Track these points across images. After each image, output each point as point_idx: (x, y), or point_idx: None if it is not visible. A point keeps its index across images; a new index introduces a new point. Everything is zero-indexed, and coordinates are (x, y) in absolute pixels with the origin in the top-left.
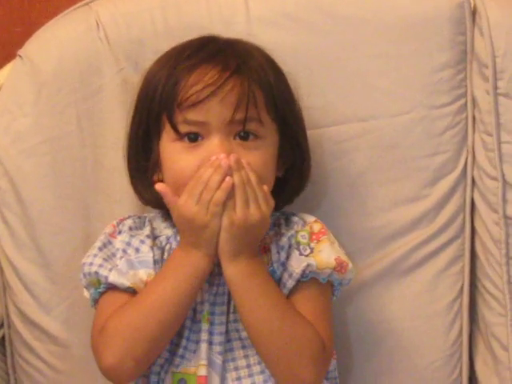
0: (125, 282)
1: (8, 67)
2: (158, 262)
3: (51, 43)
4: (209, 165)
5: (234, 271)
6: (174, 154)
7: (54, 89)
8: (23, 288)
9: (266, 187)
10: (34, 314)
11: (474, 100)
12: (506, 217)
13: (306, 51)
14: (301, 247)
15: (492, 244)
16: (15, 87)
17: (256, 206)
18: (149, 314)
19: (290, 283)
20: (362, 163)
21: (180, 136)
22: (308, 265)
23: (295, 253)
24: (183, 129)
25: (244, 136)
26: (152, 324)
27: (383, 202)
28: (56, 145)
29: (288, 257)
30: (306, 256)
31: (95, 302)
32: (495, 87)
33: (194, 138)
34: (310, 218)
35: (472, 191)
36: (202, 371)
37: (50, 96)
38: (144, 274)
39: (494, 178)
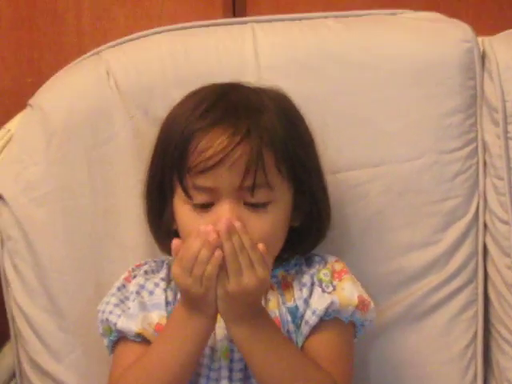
0: (132, 326)
1: (18, 117)
2: (171, 304)
3: (62, 92)
4: (195, 236)
5: (238, 333)
6: (185, 216)
7: (64, 137)
8: (35, 336)
9: (261, 246)
10: (45, 363)
11: (484, 144)
12: None
13: (317, 98)
14: (323, 285)
15: (505, 288)
16: (26, 136)
17: (251, 273)
18: (154, 377)
19: (314, 320)
20: (375, 208)
21: (191, 200)
22: (332, 302)
23: (317, 290)
24: (193, 194)
25: (253, 205)
26: None
27: (395, 248)
28: (67, 193)
29: (310, 294)
30: (329, 293)
31: (111, 351)
32: (506, 131)
33: (206, 206)
34: (331, 258)
35: (484, 236)
36: None
37: (60, 144)
38: (156, 316)
39: (506, 222)
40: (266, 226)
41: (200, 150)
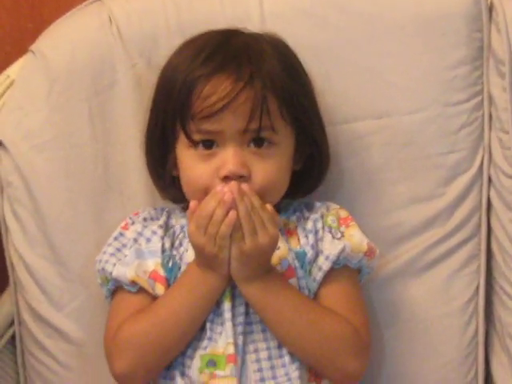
0: (127, 273)
1: (19, 63)
2: (167, 250)
3: (64, 38)
4: (211, 196)
5: (251, 291)
6: (188, 161)
7: (66, 84)
8: (35, 285)
9: (269, 206)
10: (45, 312)
11: (490, 97)
12: None
13: (321, 47)
14: (332, 231)
15: (509, 243)
16: (27, 83)
17: (264, 231)
18: (163, 328)
19: (327, 265)
20: (377, 161)
21: (194, 144)
22: (344, 247)
23: (328, 236)
24: (197, 137)
25: (258, 143)
26: (166, 338)
27: (398, 201)
28: (68, 141)
29: (318, 240)
30: (339, 239)
31: (110, 299)
32: None
33: (208, 145)
34: (335, 205)
35: (488, 190)
36: (231, 349)
37: (62, 91)
38: (151, 263)
39: (511, 177)
40: (271, 169)
41: (204, 96)
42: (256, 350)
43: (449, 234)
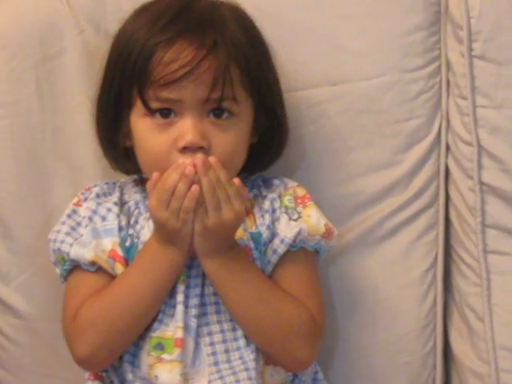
0: (86, 254)
1: None
2: (124, 229)
3: (9, 4)
4: (173, 169)
5: (212, 267)
6: (144, 130)
7: (11, 51)
8: None
9: (237, 180)
10: None
11: (448, 63)
12: (481, 183)
13: (275, 13)
14: (289, 211)
15: (467, 211)
16: None
17: (229, 207)
18: (124, 307)
19: (282, 249)
20: (334, 128)
21: (151, 112)
22: (300, 230)
23: (284, 217)
24: (155, 105)
25: (218, 113)
26: (127, 317)
27: (355, 168)
28: (14, 109)
29: (275, 221)
30: (295, 221)
31: (64, 279)
32: (470, 49)
33: (166, 113)
34: (292, 183)
35: (446, 157)
36: (179, 333)
37: (7, 59)
38: (109, 242)
39: (469, 144)
40: (230, 140)
41: (165, 62)
42: (210, 333)
43: (407, 202)
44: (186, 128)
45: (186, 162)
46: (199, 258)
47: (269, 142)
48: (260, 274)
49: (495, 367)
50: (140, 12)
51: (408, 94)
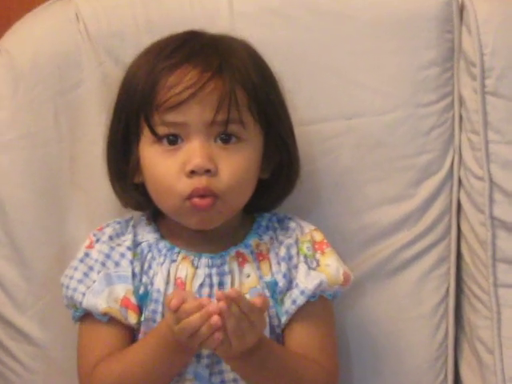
0: (98, 305)
1: None
2: (137, 275)
3: (29, 36)
4: (197, 307)
5: (234, 366)
6: (152, 157)
7: (31, 82)
8: None
9: (258, 301)
10: (8, 313)
11: (460, 98)
12: (492, 217)
13: (290, 47)
14: (308, 260)
15: (478, 245)
16: None
17: (252, 332)
18: (135, 380)
19: (302, 300)
20: (347, 162)
21: (158, 138)
22: (321, 281)
23: (303, 267)
24: (162, 131)
25: (225, 138)
26: None
27: (368, 202)
28: (33, 140)
29: (291, 268)
30: (314, 270)
31: (76, 321)
32: (483, 85)
33: (173, 140)
34: (309, 226)
35: (458, 192)
36: None
37: (27, 90)
38: (122, 290)
39: (481, 179)
40: (238, 165)
41: (169, 85)
42: (223, 382)
43: (419, 235)
44: (193, 151)
45: (211, 308)
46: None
47: (280, 176)
48: (279, 351)
49: None
50: (146, 49)
51: (421, 129)
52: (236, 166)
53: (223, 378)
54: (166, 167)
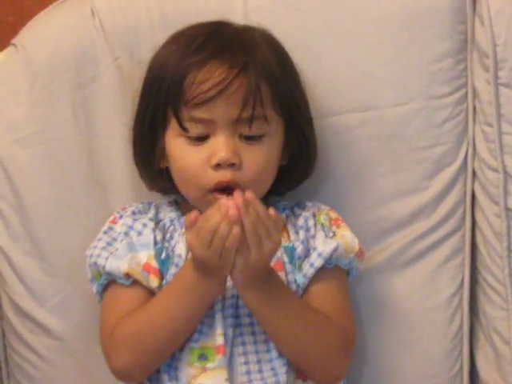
0: (120, 266)
1: (1, 56)
2: (159, 242)
3: (45, 32)
4: (216, 209)
5: (249, 296)
6: (179, 149)
7: (48, 78)
8: (17, 279)
9: (272, 211)
10: (28, 306)
11: (474, 90)
12: (507, 209)
13: (304, 41)
14: (325, 229)
15: (493, 237)
16: (9, 76)
17: (269, 240)
18: (159, 330)
19: (319, 262)
20: (362, 154)
21: (186, 131)
22: (337, 245)
23: (321, 234)
24: (190, 127)
25: (249, 137)
26: (162, 338)
27: (383, 194)
28: (50, 134)
29: (309, 238)
30: (331, 238)
31: (101, 296)
32: (496, 77)
33: (200, 139)
34: (325, 206)
35: (473, 183)
36: (220, 340)
37: (44, 85)
38: (144, 256)
39: (495, 170)
40: (261, 159)
41: (198, 82)
42: (243, 343)
43: (433, 227)
44: (219, 145)
45: (229, 203)
46: (237, 288)
47: (297, 163)
48: (294, 296)
49: None
50: (173, 39)
51: (434, 121)
52: (259, 160)
53: (244, 340)
54: (191, 159)
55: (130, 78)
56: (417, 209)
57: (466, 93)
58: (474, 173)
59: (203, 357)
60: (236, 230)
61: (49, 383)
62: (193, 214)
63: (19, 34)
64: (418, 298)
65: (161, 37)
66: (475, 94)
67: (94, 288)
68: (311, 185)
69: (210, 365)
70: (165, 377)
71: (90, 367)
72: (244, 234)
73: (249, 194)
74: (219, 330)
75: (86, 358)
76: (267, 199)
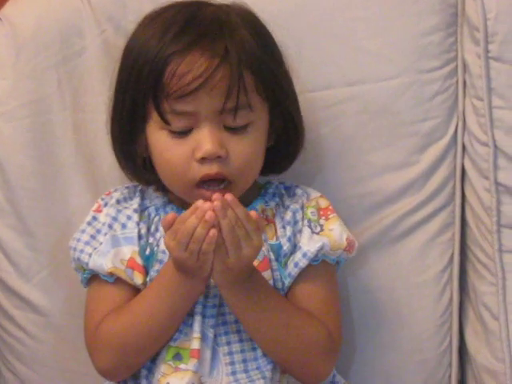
0: (104, 265)
1: None
2: (143, 237)
3: (31, 4)
4: (191, 212)
5: (231, 296)
6: (162, 142)
7: (33, 51)
8: (2, 255)
9: (254, 213)
10: (13, 282)
11: (464, 64)
12: (497, 183)
13: (291, 14)
14: (312, 224)
15: (483, 211)
16: None
17: (248, 243)
18: (142, 329)
19: (304, 263)
20: (351, 129)
21: (168, 124)
22: (323, 245)
23: (307, 230)
24: (171, 119)
25: (234, 128)
26: (145, 337)
27: (372, 169)
28: (36, 108)
29: (296, 233)
30: (318, 234)
31: (86, 284)
32: (486, 51)
33: (184, 132)
34: (315, 193)
35: (462, 158)
36: (195, 344)
37: (29, 58)
38: (128, 251)
39: (485, 144)
40: (248, 147)
41: (179, 74)
42: (228, 343)
43: (423, 202)
44: (204, 138)
45: (205, 206)
46: (218, 288)
47: (285, 144)
48: (278, 296)
49: (510, 365)
50: (150, 20)
51: (424, 95)
52: (246, 150)
53: (229, 339)
54: (176, 153)
55: (116, 51)
56: (406, 183)
57: (456, 67)
58: (463, 147)
59: (178, 356)
60: (212, 232)
61: (37, 359)
62: (169, 216)
63: (4, 7)
64: (407, 274)
65: (148, 8)
66: (465, 68)
67: (79, 277)
68: (299, 159)
69: (182, 366)
70: (143, 371)
71: (78, 342)
72: (221, 237)
73: (228, 196)
74: (196, 334)
75: (73, 333)
76: (257, 183)
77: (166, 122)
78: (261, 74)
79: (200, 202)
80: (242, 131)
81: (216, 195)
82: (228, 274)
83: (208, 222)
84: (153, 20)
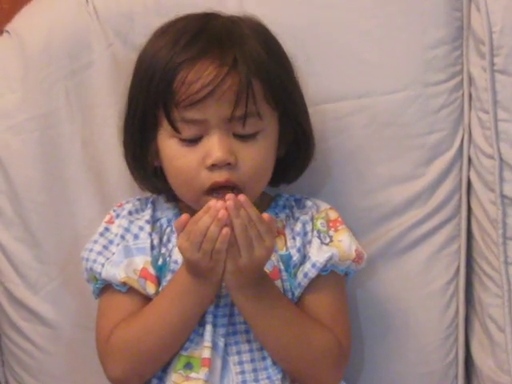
0: (117, 274)
1: None
2: (156, 247)
3: (39, 18)
4: (204, 211)
5: (243, 299)
6: (172, 150)
7: (42, 64)
8: (11, 267)
9: (266, 216)
10: (21, 294)
11: (470, 77)
12: (502, 196)
13: (300, 27)
14: (321, 235)
15: (488, 224)
16: (2, 63)
17: (260, 244)
18: (154, 336)
19: (313, 273)
20: (358, 141)
21: (178, 132)
22: (332, 255)
23: (316, 241)
24: (181, 127)
25: (243, 135)
26: (157, 345)
27: (378, 181)
28: (44, 121)
29: (306, 244)
30: (327, 245)
31: (97, 295)
32: (492, 64)
33: (194, 140)
34: (325, 205)
35: (468, 170)
36: (206, 353)
37: (38, 72)
38: (140, 261)
39: (491, 157)
40: (257, 155)
41: (188, 82)
42: (239, 352)
43: (429, 214)
44: (213, 145)
45: (218, 205)
46: (229, 291)
47: (295, 155)
48: (288, 303)
49: None
50: (161, 31)
51: (430, 108)
52: (255, 158)
53: (239, 349)
54: (185, 161)
55: (123, 65)
56: (412, 196)
57: (462, 80)
58: (469, 160)
59: (189, 366)
60: (225, 230)
61: (45, 371)
62: (182, 217)
63: (13, 21)
64: (413, 286)
65: (155, 22)
66: (471, 81)
67: (91, 288)
68: (307, 170)
69: (193, 375)
70: (154, 381)
71: (86, 354)
72: (234, 236)
73: (241, 197)
74: (206, 343)
75: (81, 345)
76: (268, 195)
77: (176, 130)
78: (270, 82)
79: (213, 202)
80: (252, 139)
81: (229, 195)
82: (239, 276)
83: (221, 221)
84: (164, 32)
